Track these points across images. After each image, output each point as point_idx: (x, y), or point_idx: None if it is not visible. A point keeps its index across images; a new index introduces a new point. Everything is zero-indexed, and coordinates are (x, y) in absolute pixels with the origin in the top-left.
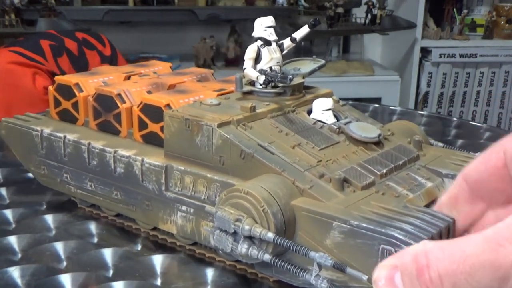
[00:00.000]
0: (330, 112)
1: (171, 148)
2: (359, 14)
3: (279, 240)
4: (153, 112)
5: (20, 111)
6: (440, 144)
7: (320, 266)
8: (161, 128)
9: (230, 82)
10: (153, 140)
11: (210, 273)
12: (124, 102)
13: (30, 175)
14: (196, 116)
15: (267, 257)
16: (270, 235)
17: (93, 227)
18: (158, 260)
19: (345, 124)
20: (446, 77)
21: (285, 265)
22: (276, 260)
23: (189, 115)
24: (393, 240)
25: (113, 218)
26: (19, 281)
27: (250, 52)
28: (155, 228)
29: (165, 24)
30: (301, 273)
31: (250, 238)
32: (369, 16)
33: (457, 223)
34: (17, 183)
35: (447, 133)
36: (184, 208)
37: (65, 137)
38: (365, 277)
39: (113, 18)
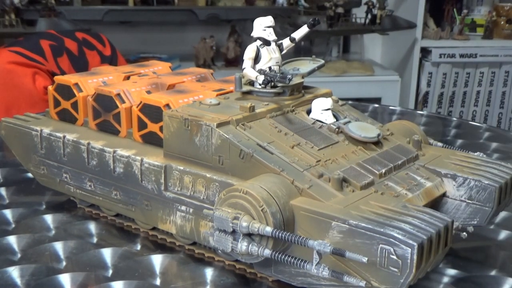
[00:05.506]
0: (329, 112)
1: (171, 148)
2: (359, 14)
3: (277, 233)
4: (153, 112)
5: (20, 111)
6: (440, 144)
7: (320, 254)
8: (161, 128)
9: (229, 82)
10: (152, 140)
11: (209, 272)
12: (124, 102)
13: (30, 175)
14: (196, 116)
15: (267, 252)
16: (268, 229)
17: (92, 227)
18: (157, 260)
19: (344, 124)
20: (446, 77)
21: (286, 258)
22: (276, 254)
23: (189, 115)
24: (392, 239)
25: (113, 218)
26: (18, 281)
27: (249, 52)
28: (154, 228)
29: (165, 24)
30: (302, 263)
31: (249, 236)
32: (369, 16)
33: None
34: (17, 183)
35: (447, 133)
36: (183, 208)
37: (64, 137)
38: (365, 259)
39: (113, 18)
